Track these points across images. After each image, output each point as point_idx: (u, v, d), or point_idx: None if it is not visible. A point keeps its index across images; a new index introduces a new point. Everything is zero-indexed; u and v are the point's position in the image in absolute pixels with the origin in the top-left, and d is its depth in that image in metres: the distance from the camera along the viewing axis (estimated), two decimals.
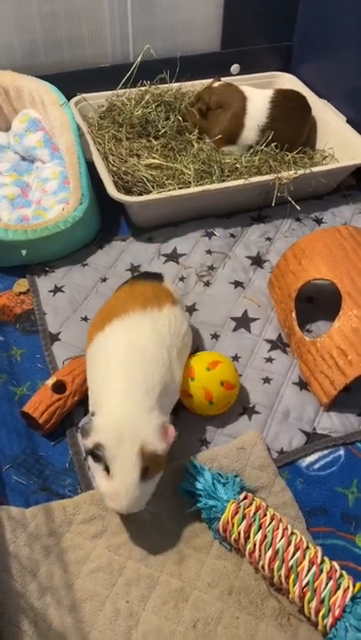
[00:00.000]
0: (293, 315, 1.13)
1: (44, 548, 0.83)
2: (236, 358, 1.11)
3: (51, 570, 0.81)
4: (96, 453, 0.80)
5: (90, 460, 0.84)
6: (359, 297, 1.03)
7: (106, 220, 1.40)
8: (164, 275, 1.08)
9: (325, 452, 0.98)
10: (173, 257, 1.31)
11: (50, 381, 1.00)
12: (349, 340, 1.00)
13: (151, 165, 1.42)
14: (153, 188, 1.35)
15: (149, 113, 1.55)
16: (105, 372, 0.89)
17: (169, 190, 1.32)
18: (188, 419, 1.02)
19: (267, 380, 1.08)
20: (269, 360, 1.12)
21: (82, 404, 1.02)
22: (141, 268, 1.29)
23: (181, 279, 1.26)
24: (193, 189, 1.31)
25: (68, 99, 1.52)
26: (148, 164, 1.42)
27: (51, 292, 1.23)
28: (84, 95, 1.58)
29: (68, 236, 1.26)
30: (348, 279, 1.06)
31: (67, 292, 1.23)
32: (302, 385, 1.08)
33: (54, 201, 1.35)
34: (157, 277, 1.06)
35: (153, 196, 1.30)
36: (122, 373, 0.86)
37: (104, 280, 1.26)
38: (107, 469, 0.80)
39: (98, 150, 1.43)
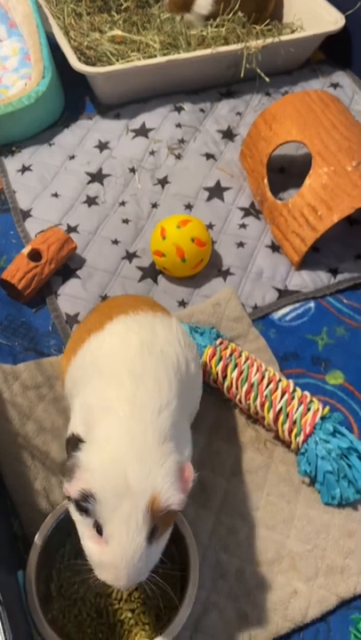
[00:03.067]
0: (265, 181, 1.14)
1: (37, 396, 0.87)
2: (210, 226, 1.13)
3: (44, 414, 0.86)
4: (83, 505, 0.57)
5: (72, 510, 0.60)
6: (329, 155, 1.04)
7: (71, 99, 1.35)
8: None
9: (297, 305, 1.03)
10: (142, 132, 1.28)
11: (25, 250, 1.01)
12: (319, 195, 1.02)
13: (114, 39, 1.36)
14: (117, 61, 1.30)
15: None
16: (105, 378, 0.66)
17: (134, 61, 1.27)
18: (167, 283, 1.05)
19: (241, 245, 1.11)
20: (243, 226, 1.14)
21: (58, 274, 1.04)
22: (110, 144, 1.26)
23: (152, 153, 1.25)
24: (159, 59, 1.27)
25: None
26: (112, 38, 1.36)
27: (19, 171, 1.20)
28: None
29: (33, 113, 1.22)
30: (317, 139, 1.07)
31: (35, 170, 1.20)
32: (275, 248, 1.11)
33: (16, 77, 1.29)
34: None
35: (118, 66, 1.25)
36: (130, 382, 0.64)
37: (72, 158, 1.24)
38: (97, 528, 0.57)
39: (58, 25, 1.36)
